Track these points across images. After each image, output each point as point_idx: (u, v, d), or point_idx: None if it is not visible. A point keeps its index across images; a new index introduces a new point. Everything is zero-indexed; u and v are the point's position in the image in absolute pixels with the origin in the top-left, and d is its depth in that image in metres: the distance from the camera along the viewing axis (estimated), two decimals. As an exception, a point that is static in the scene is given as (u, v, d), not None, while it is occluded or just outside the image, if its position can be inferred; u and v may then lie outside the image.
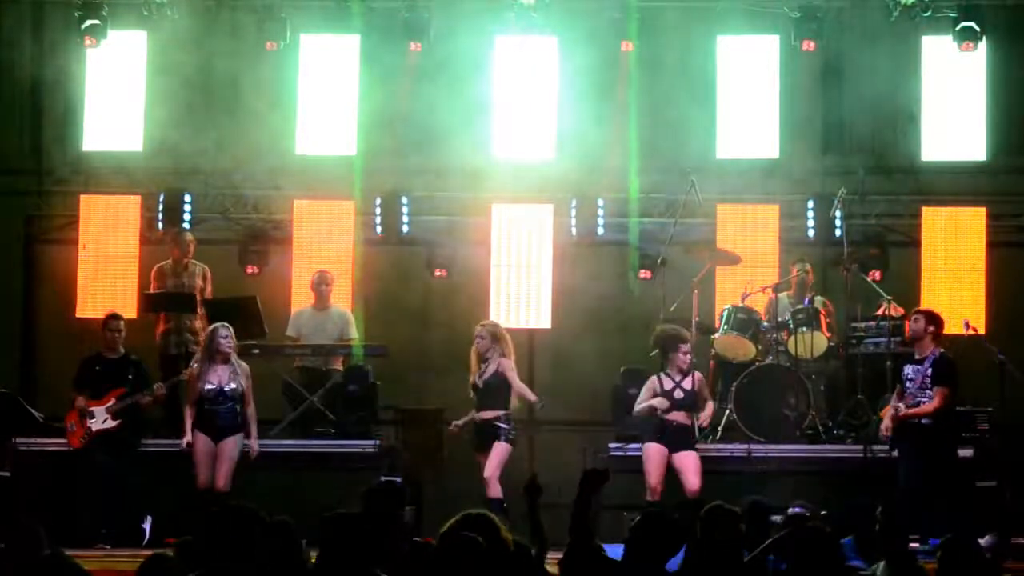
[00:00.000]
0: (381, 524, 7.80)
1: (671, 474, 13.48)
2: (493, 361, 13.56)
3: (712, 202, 16.26)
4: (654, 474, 13.42)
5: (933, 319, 13.20)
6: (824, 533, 7.82)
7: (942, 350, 13.17)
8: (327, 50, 17.18)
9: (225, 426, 13.50)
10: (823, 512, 12.50)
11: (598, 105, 16.76)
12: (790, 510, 10.52)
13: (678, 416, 13.51)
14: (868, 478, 13.70)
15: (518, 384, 13.61)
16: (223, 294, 15.84)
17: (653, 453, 13.49)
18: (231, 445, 13.47)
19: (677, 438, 13.49)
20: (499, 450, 13.43)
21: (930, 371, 12.98)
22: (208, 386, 13.49)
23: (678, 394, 13.52)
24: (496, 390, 13.49)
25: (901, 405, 13.07)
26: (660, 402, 13.50)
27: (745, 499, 11.04)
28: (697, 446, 13.65)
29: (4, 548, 7.80)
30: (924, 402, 12.98)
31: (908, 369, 13.17)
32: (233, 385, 13.51)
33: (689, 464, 13.40)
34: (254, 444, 13.64)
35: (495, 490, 13.30)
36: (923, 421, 12.96)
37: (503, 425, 13.46)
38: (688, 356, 13.60)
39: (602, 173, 16.72)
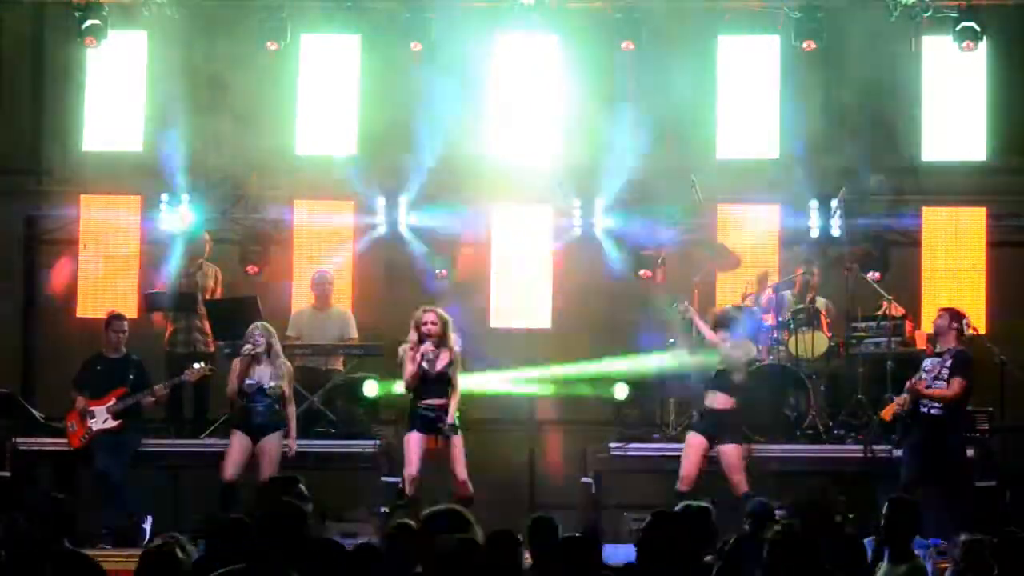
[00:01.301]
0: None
1: (678, 476, 13.47)
2: (444, 352, 13.36)
3: (712, 202, 16.26)
4: (686, 463, 13.41)
5: (957, 316, 13.35)
6: (794, 534, 7.80)
7: (963, 348, 13.27)
8: (327, 50, 17.16)
9: (263, 423, 13.56)
10: (851, 515, 12.54)
11: (598, 105, 16.74)
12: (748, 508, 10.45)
13: (716, 400, 13.51)
14: (868, 478, 13.72)
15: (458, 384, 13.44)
16: (223, 294, 15.86)
17: (691, 441, 13.50)
18: (272, 444, 13.54)
19: (717, 426, 13.47)
20: (461, 447, 13.32)
21: (949, 362, 13.06)
22: (249, 382, 13.56)
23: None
24: (446, 381, 13.34)
25: (919, 380, 13.12)
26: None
27: (750, 501, 11.04)
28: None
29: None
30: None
31: (927, 362, 13.26)
32: (273, 384, 13.57)
33: (727, 460, 13.38)
34: (292, 443, 13.69)
35: (470, 488, 13.25)
36: (933, 411, 13.00)
37: (448, 421, 13.30)
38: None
39: (602, 173, 16.71)
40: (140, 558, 7.45)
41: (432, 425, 13.28)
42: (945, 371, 13.05)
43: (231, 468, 13.46)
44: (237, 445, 13.53)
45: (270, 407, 13.59)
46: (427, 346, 13.21)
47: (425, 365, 13.23)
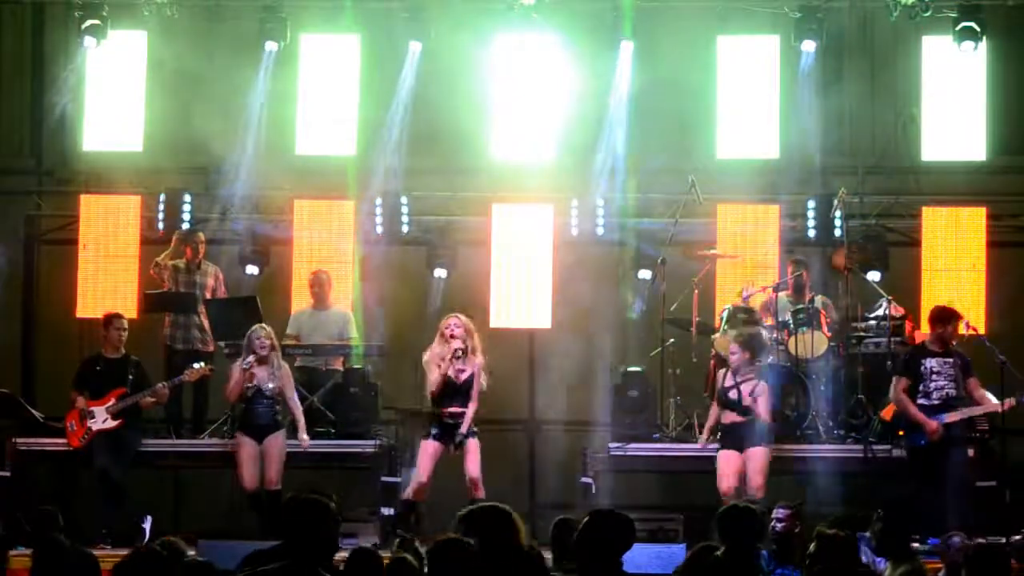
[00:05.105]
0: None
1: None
2: (470, 362, 13.46)
3: (712, 202, 16.25)
4: (723, 480, 13.33)
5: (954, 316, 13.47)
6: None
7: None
8: (327, 50, 17.18)
9: (265, 425, 13.71)
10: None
11: (598, 105, 16.75)
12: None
13: (733, 416, 13.48)
14: (868, 478, 13.73)
15: (478, 390, 13.51)
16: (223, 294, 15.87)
17: (721, 458, 13.42)
18: (276, 443, 13.70)
19: (740, 439, 13.39)
20: (476, 449, 13.41)
21: (958, 363, 13.21)
22: (247, 385, 13.67)
23: (732, 395, 13.50)
24: (468, 390, 13.44)
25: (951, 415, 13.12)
26: None
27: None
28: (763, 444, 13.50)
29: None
30: (952, 395, 13.19)
31: (933, 362, 13.22)
32: (271, 385, 13.71)
33: (752, 463, 13.31)
34: (306, 438, 13.94)
35: (483, 491, 13.26)
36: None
37: (462, 432, 13.39)
38: (735, 356, 13.54)
39: (602, 173, 16.71)
40: (130, 556, 7.44)
41: (451, 434, 13.37)
42: (955, 372, 13.11)
43: (249, 477, 13.61)
44: (247, 452, 13.64)
45: (271, 407, 13.72)
46: (457, 343, 13.29)
47: (451, 373, 13.29)
